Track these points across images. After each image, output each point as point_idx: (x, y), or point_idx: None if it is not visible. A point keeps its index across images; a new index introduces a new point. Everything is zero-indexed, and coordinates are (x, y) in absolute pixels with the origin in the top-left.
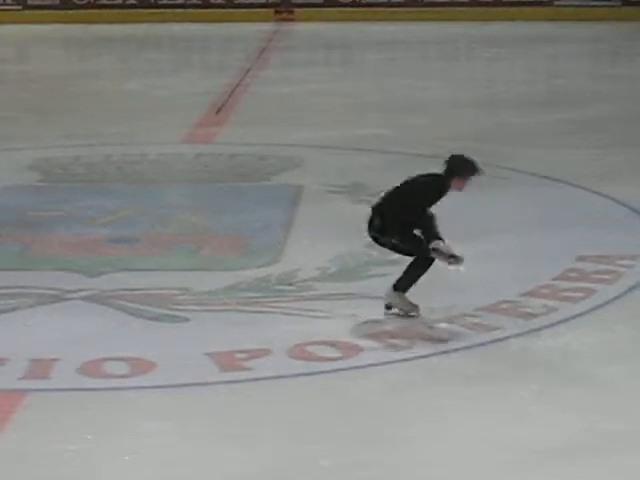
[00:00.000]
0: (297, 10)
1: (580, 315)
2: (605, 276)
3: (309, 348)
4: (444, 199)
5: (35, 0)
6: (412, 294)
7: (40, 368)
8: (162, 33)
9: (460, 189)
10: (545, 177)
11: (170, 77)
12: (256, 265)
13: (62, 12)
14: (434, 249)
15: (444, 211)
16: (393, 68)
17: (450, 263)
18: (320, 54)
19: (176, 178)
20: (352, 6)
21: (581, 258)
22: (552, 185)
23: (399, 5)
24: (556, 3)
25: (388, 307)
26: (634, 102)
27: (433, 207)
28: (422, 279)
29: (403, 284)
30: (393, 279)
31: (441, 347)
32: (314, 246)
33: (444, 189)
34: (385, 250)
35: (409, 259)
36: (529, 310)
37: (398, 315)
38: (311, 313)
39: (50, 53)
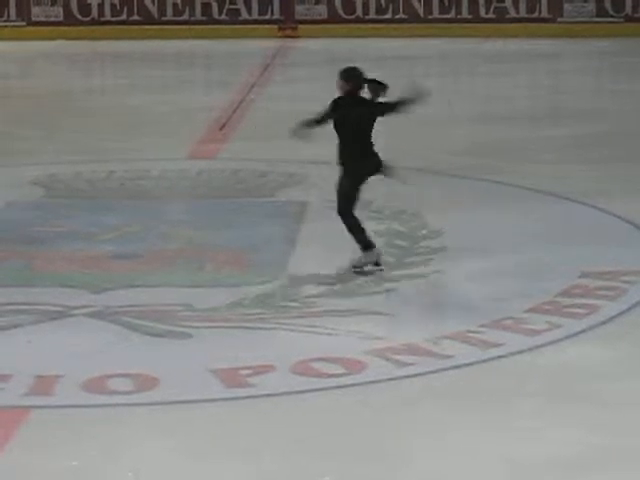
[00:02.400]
0: (301, 26)
1: (583, 331)
2: (608, 292)
3: (313, 364)
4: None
5: (39, 16)
6: (420, 309)
7: (43, 384)
8: (166, 49)
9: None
10: (547, 193)
11: (174, 93)
12: (259, 281)
13: (66, 28)
14: None
15: (447, 228)
16: (395, 84)
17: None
18: (324, 70)
19: (179, 194)
20: (355, 22)
21: (584, 274)
22: (555, 201)
23: (402, 21)
24: (559, 20)
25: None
26: (636, 118)
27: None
28: (428, 298)
29: (362, 242)
30: (396, 295)
31: (445, 363)
32: (318, 262)
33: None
34: (389, 266)
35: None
36: (532, 326)
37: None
38: (315, 329)
39: (54, 69)
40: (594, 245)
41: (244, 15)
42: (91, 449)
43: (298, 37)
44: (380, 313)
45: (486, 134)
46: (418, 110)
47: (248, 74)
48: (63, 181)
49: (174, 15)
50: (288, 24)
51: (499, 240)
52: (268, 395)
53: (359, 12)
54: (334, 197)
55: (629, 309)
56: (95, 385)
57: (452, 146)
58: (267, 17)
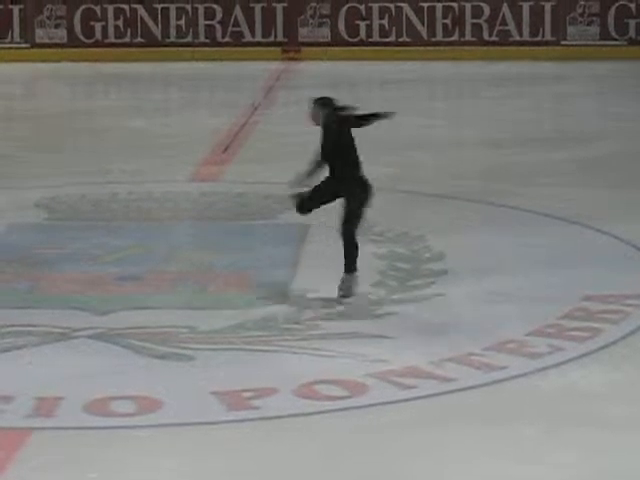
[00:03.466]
0: (304, 49)
1: (586, 355)
2: (611, 316)
3: (316, 387)
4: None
5: (43, 38)
6: (423, 332)
7: (46, 406)
8: (169, 71)
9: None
10: (551, 216)
11: (177, 115)
12: (262, 303)
13: (70, 50)
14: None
15: (449, 250)
16: (400, 107)
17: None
18: (327, 93)
19: (182, 216)
20: (359, 45)
21: (587, 297)
22: (558, 224)
23: (406, 44)
24: (562, 42)
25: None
26: None
27: None
28: (431, 321)
29: (349, 264)
30: (399, 318)
31: (448, 386)
32: (321, 285)
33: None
34: (391, 289)
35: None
36: (535, 349)
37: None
38: (317, 352)
39: (57, 91)
40: (597, 268)
41: (247, 37)
42: (92, 471)
43: (301, 59)
44: (383, 336)
45: (489, 157)
46: (421, 133)
47: (251, 96)
48: (66, 203)
49: (177, 37)
50: (291, 46)
51: (502, 263)
52: (271, 418)
53: (362, 35)
54: (337, 219)
55: (632, 332)
56: (97, 407)
57: (455, 169)
58: (270, 39)
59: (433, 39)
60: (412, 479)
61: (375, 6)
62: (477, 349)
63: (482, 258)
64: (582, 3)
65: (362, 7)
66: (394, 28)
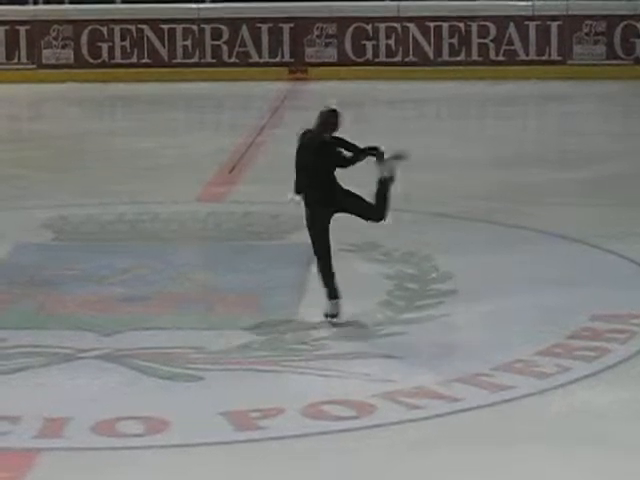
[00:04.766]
0: (311, 69)
1: (594, 374)
2: (618, 335)
3: (323, 407)
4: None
5: (50, 59)
6: (430, 352)
7: (53, 427)
8: (176, 92)
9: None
10: (558, 235)
11: (184, 135)
12: (270, 324)
13: (76, 71)
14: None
15: (457, 270)
16: (407, 126)
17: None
18: None
19: (189, 236)
20: (365, 65)
21: (594, 317)
22: (565, 243)
23: (412, 64)
24: (569, 62)
25: (332, 316)
26: None
27: None
28: (439, 341)
29: (330, 291)
30: (406, 338)
31: (455, 406)
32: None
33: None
34: (399, 309)
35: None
36: (542, 369)
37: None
38: (325, 372)
39: (64, 112)
40: (604, 288)
41: (254, 57)
42: None
43: (308, 79)
44: (390, 356)
45: (495, 177)
46: (428, 153)
47: (258, 116)
48: (73, 224)
49: (184, 58)
50: (298, 66)
51: (509, 283)
52: (278, 438)
53: (369, 55)
54: (345, 239)
55: (638, 352)
56: (105, 428)
57: (462, 189)
58: (277, 59)
59: (439, 59)
60: None
61: (382, 26)
62: (485, 369)
63: (489, 278)
64: (588, 22)
65: (369, 27)
66: (401, 48)
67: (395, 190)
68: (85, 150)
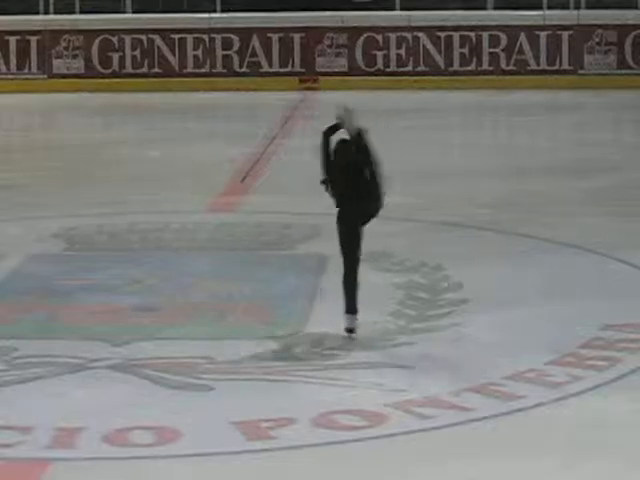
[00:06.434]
0: (322, 78)
1: (605, 384)
2: (630, 345)
3: (334, 417)
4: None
5: (60, 69)
6: (441, 361)
7: (65, 437)
8: (187, 101)
9: None
10: (569, 245)
11: (195, 145)
12: (281, 333)
13: (87, 80)
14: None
15: (468, 280)
16: (417, 136)
17: None
18: None
19: (200, 246)
20: (376, 75)
21: (606, 327)
22: (577, 253)
23: (423, 74)
24: (580, 71)
25: (350, 331)
26: None
27: None
28: (450, 351)
29: (350, 303)
30: (417, 347)
31: (466, 416)
32: (338, 315)
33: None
34: (410, 319)
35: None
36: (554, 379)
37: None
38: (336, 382)
39: (75, 121)
40: (616, 297)
41: (265, 67)
42: None
43: (319, 89)
44: (401, 365)
45: (508, 186)
46: (439, 162)
47: (269, 126)
48: (85, 233)
49: (195, 67)
50: (309, 76)
51: (520, 292)
52: (289, 447)
53: (380, 64)
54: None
55: None
56: (117, 438)
57: (473, 198)
58: (288, 69)
59: (450, 68)
60: None
61: (392, 36)
62: (496, 378)
63: (500, 287)
64: (599, 32)
65: (379, 37)
66: (411, 58)
67: (407, 199)
68: (96, 160)
